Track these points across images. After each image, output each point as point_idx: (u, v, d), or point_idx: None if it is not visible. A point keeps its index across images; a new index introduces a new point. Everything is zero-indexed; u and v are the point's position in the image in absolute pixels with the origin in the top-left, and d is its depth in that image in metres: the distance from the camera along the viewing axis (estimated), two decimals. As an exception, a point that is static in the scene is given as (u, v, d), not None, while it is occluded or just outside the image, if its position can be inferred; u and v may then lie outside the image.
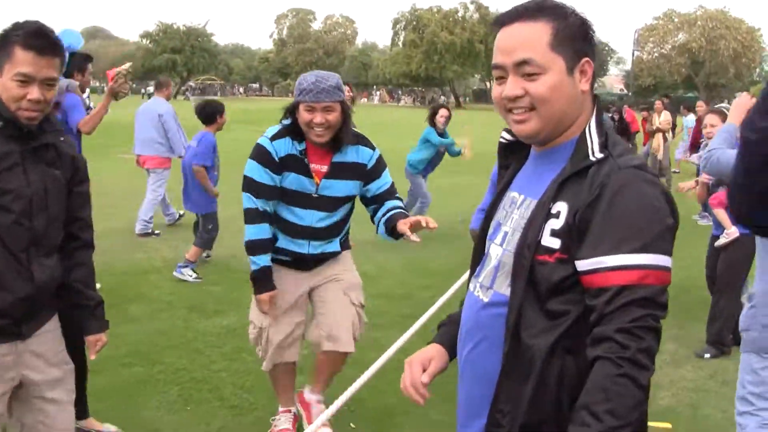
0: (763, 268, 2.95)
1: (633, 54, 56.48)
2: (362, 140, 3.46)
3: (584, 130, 1.57)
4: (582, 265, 1.44)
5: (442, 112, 9.05)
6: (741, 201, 1.49)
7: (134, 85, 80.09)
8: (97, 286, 5.85)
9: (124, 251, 7.69)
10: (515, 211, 1.63)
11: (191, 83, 76.17)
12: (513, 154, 1.76)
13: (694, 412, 4.19)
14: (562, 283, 1.48)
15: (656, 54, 59.64)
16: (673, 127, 15.88)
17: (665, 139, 13.64)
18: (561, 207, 1.50)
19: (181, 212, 9.21)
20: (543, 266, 1.49)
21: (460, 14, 71.21)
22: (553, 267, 1.48)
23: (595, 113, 1.60)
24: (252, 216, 3.34)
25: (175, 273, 6.69)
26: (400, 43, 72.55)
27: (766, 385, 2.85)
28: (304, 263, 3.51)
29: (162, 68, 76.37)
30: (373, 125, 27.42)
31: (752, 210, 1.47)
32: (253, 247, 3.35)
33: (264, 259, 3.36)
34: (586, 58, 1.56)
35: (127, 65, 5.13)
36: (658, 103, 14.72)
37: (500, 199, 1.74)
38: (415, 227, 3.08)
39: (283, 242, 3.44)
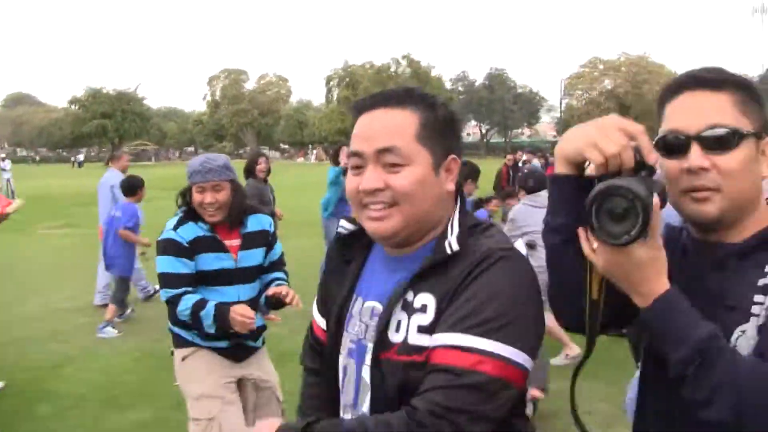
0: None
1: (561, 102, 58.49)
2: (256, 209, 3.56)
3: (446, 226, 1.45)
4: (429, 343, 1.34)
5: (345, 150, 8.78)
6: (559, 300, 1.43)
7: (64, 154, 78.53)
8: (1, 383, 5.68)
9: (38, 341, 7.25)
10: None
11: (124, 149, 75.11)
12: (353, 247, 1.61)
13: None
14: None
15: (585, 100, 61.84)
16: None
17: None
18: (426, 299, 1.37)
19: (156, 287, 8.72)
20: (417, 369, 1.35)
21: (392, 69, 72.77)
22: (424, 367, 1.35)
23: (458, 206, 1.49)
24: (177, 299, 3.25)
25: (98, 335, 7.27)
26: (334, 100, 73.42)
27: None
28: (236, 351, 3.44)
29: (92, 134, 75.50)
30: (306, 185, 27.30)
31: (570, 309, 1.40)
32: (195, 315, 3.21)
33: (209, 310, 3.19)
34: (453, 156, 1.45)
35: (20, 203, 5.75)
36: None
37: (347, 305, 1.56)
38: (277, 297, 3.28)
39: (213, 327, 3.32)
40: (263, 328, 3.57)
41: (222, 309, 3.18)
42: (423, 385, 1.30)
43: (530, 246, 5.59)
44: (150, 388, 5.60)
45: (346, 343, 1.54)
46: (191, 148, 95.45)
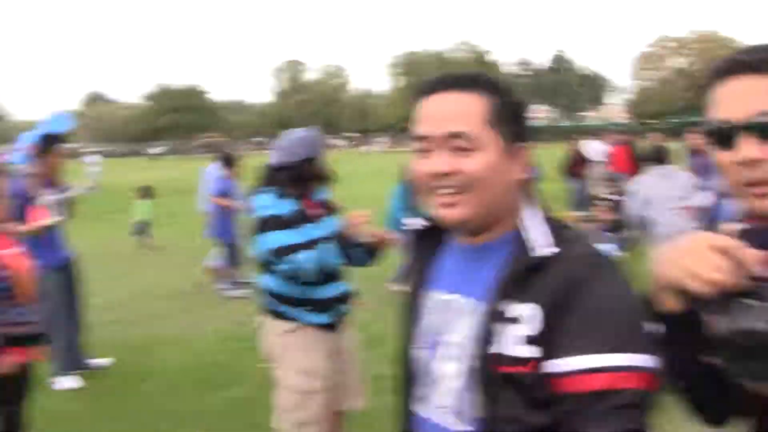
0: None
1: (631, 83, 56.75)
2: None
3: (523, 221, 1.40)
4: (552, 367, 1.26)
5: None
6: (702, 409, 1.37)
7: (137, 149, 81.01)
8: (110, 360, 6.01)
9: (141, 320, 7.62)
10: (461, 319, 1.40)
11: (193, 143, 77.13)
12: (423, 242, 1.56)
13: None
14: (541, 393, 1.28)
15: (656, 80, 59.86)
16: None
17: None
18: (524, 310, 1.29)
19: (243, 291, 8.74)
20: (519, 378, 1.29)
21: (454, 56, 72.23)
22: (531, 378, 1.28)
23: (532, 201, 1.43)
24: (298, 264, 3.31)
25: (225, 293, 8.61)
26: (397, 87, 73.36)
27: None
28: (335, 323, 3.54)
29: (165, 129, 77.83)
30: (373, 173, 27.16)
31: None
32: (320, 259, 3.36)
33: (325, 247, 3.38)
34: (522, 144, 1.40)
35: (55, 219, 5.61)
36: (653, 136, 14.46)
37: (417, 299, 1.52)
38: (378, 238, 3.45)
39: (321, 292, 3.46)
40: (350, 293, 3.65)
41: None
42: (575, 420, 1.22)
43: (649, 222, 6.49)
44: (236, 369, 5.83)
45: (419, 337, 1.51)
46: (259, 139, 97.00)
